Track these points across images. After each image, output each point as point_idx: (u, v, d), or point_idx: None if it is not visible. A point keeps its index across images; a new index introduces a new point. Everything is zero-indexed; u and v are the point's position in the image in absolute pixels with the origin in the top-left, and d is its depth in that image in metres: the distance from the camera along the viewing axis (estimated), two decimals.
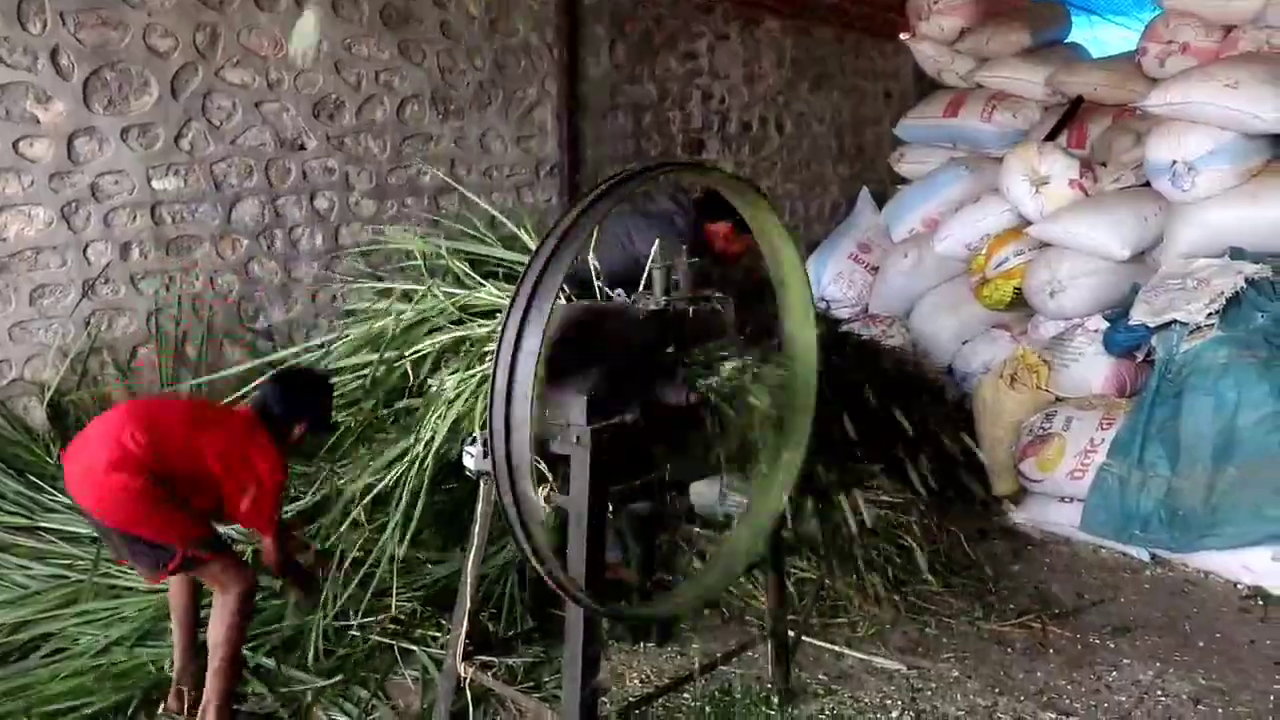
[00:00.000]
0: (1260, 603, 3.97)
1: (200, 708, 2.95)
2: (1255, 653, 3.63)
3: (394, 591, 3.30)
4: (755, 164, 6.45)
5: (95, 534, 3.20)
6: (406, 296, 3.72)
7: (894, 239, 6.33)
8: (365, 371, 3.60)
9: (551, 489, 2.53)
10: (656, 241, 2.76)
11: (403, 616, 3.46)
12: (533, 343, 2.18)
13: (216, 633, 2.94)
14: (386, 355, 3.43)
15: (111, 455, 2.78)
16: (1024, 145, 5.68)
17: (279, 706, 3.16)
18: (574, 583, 2.40)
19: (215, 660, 2.93)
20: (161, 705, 3.11)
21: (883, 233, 6.46)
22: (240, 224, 4.40)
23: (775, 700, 3.24)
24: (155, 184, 4.14)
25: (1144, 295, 4.69)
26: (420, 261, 3.98)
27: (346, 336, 3.74)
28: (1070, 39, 6.63)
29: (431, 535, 3.59)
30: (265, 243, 4.48)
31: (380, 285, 3.78)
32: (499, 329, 2.24)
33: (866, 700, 3.31)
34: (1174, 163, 4.75)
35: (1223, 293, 4.40)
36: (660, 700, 3.20)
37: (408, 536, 3.39)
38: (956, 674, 3.48)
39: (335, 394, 3.41)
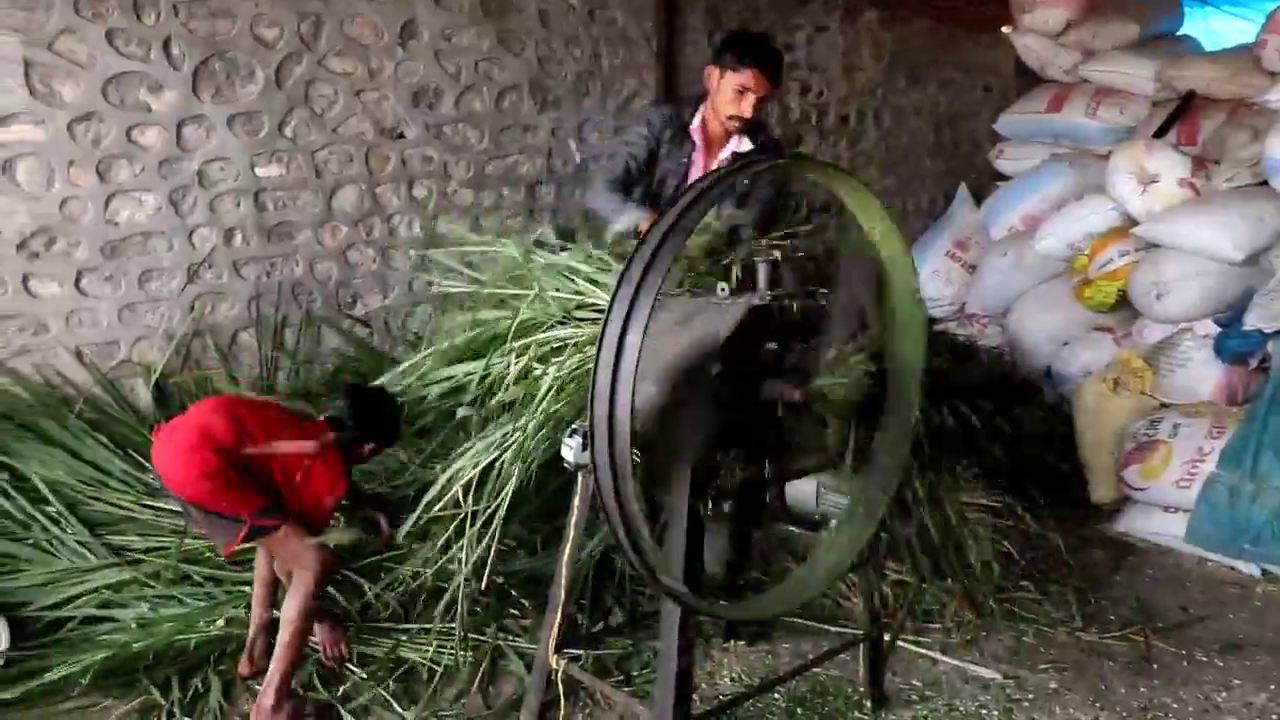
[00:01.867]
0: None
1: (265, 681, 3.00)
2: None
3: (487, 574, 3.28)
4: (853, 158, 6.36)
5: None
6: (502, 302, 3.68)
7: (992, 237, 6.18)
8: (467, 376, 3.56)
9: None
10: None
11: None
12: (636, 336, 2.15)
13: (289, 608, 3.00)
14: (493, 363, 3.39)
15: (192, 438, 2.90)
16: (1131, 142, 5.50)
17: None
18: (674, 580, 2.37)
19: (284, 634, 2.99)
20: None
21: (981, 230, 6.31)
22: (340, 211, 4.45)
23: (867, 705, 3.19)
24: (259, 171, 4.21)
25: (1260, 300, 4.52)
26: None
27: (445, 343, 3.71)
28: (1182, 31, 6.41)
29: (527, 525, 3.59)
30: (364, 230, 4.53)
31: (482, 290, 3.71)
32: (603, 322, 2.22)
33: (961, 709, 3.23)
34: None
35: None
36: (751, 701, 3.17)
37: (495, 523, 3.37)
38: (1055, 685, 3.38)
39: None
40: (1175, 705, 3.29)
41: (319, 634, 3.28)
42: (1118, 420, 4.77)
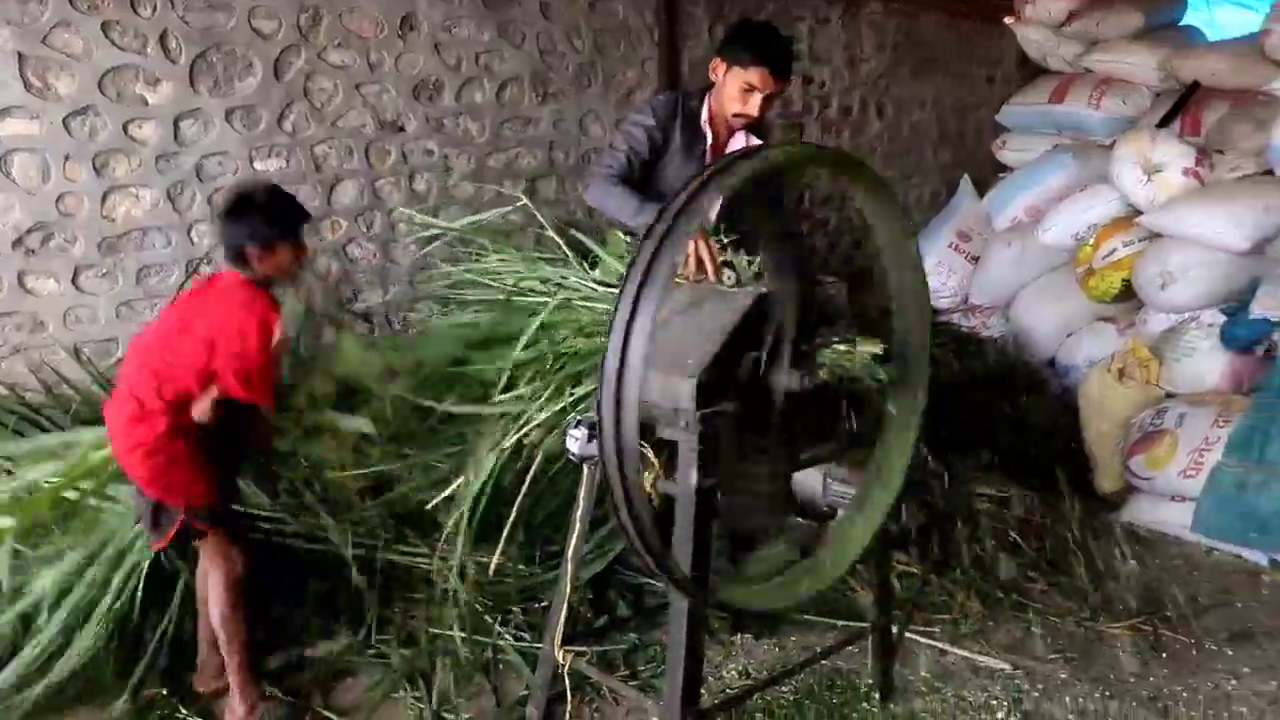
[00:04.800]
0: None
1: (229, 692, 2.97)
2: None
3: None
4: (855, 149, 6.32)
5: None
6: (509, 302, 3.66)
7: (996, 228, 6.16)
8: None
9: (658, 475, 2.49)
10: None
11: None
12: (644, 323, 2.12)
13: (214, 617, 2.93)
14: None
15: (132, 411, 2.78)
16: (1135, 132, 5.48)
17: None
18: (681, 573, 2.35)
19: (223, 645, 2.94)
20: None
21: (984, 221, 6.29)
22: (339, 205, 4.41)
23: (876, 696, 3.17)
24: (257, 165, 4.17)
25: (1266, 288, 4.50)
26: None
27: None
28: (1186, 21, 6.39)
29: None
30: (364, 224, 4.49)
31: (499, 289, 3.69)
32: (610, 312, 2.19)
33: (970, 699, 3.21)
34: None
35: None
36: (759, 694, 3.15)
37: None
38: (1064, 675, 3.36)
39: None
40: (1185, 694, 3.27)
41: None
42: (1123, 410, 4.74)
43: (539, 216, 3.98)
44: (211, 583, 2.93)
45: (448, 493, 3.18)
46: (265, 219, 2.87)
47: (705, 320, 2.57)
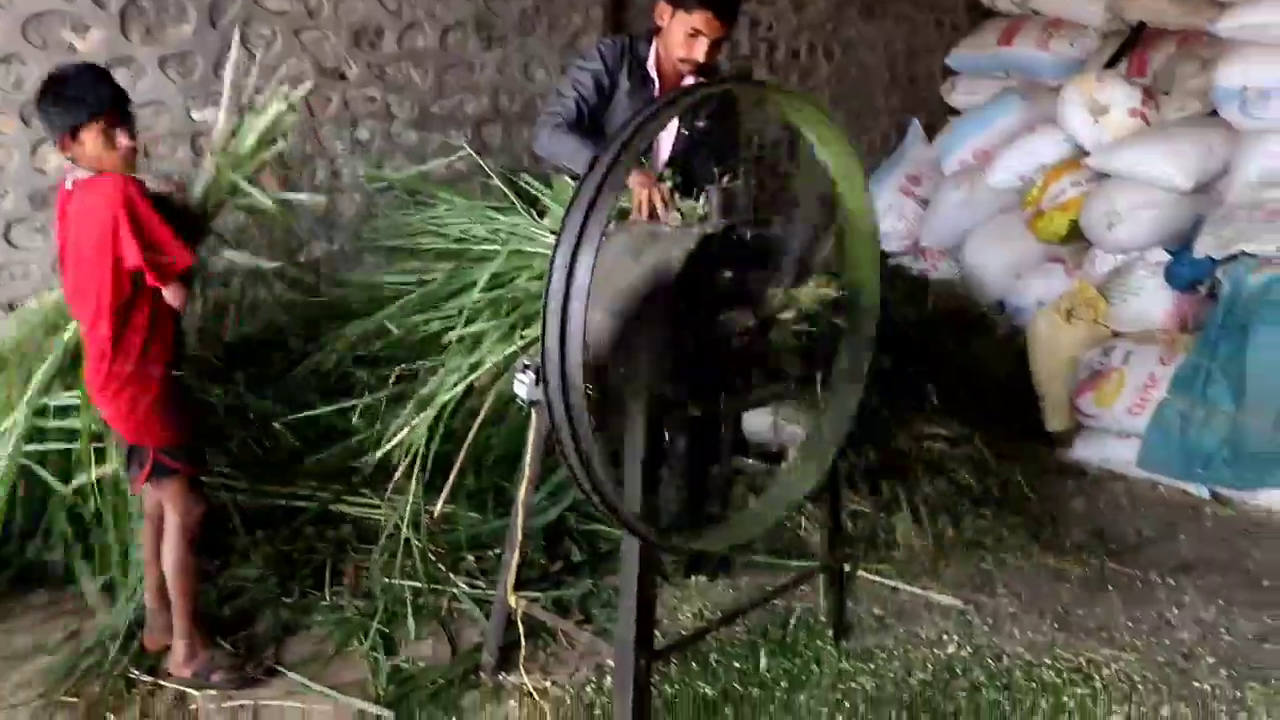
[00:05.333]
0: None
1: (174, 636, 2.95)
2: None
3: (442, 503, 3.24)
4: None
5: None
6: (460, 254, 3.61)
7: (945, 171, 6.17)
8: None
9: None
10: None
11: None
12: (587, 262, 2.09)
13: (166, 563, 2.91)
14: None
15: (96, 351, 2.74)
16: (1082, 74, 5.49)
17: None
18: (631, 514, 2.34)
19: (172, 588, 2.91)
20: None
21: (933, 165, 6.29)
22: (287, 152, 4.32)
23: (830, 634, 3.20)
24: (195, 115, 4.07)
25: (1209, 227, 4.55)
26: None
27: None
28: None
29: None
30: (306, 174, 4.40)
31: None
32: (554, 247, 2.16)
33: (923, 635, 3.25)
34: (1244, 89, 4.59)
35: None
36: (713, 634, 3.16)
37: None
38: (1014, 609, 3.41)
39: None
40: (1130, 624, 3.33)
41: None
42: (1071, 349, 4.79)
43: (484, 165, 3.91)
44: (168, 528, 2.89)
45: (396, 439, 3.14)
46: (64, 105, 2.66)
47: (651, 261, 2.54)
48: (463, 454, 3.06)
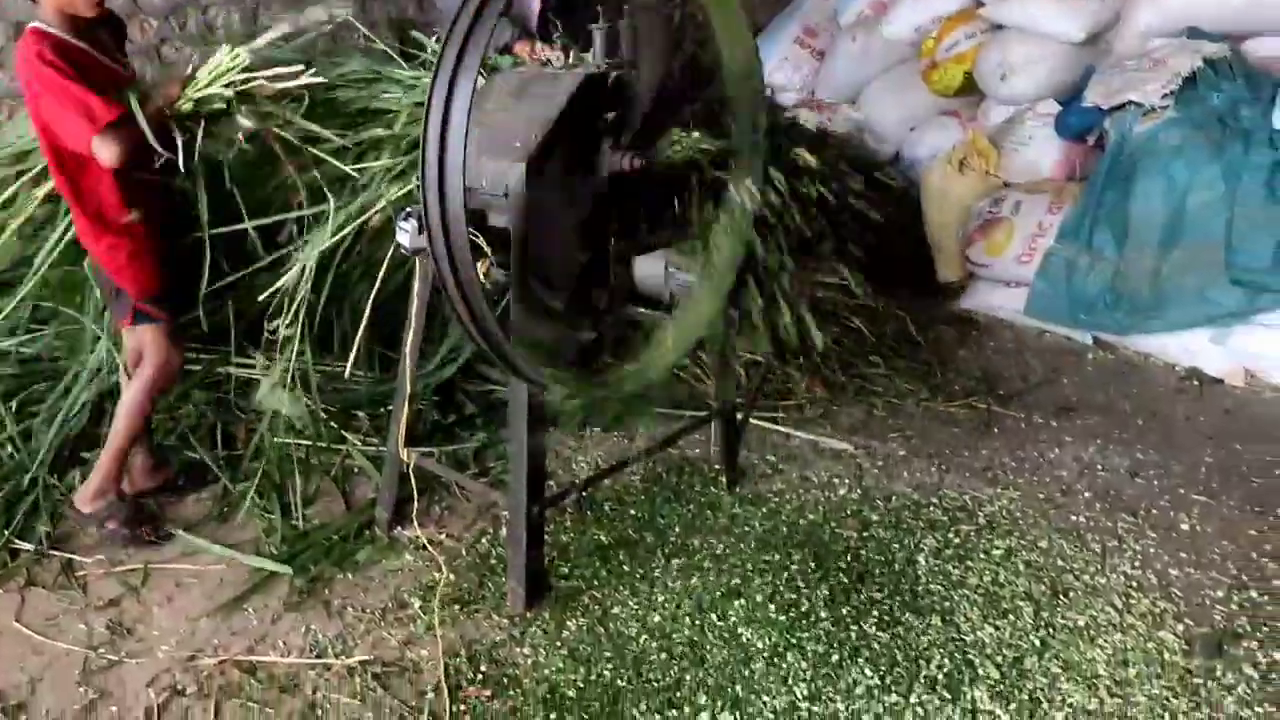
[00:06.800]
0: (1196, 383, 4.02)
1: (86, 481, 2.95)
2: (1190, 429, 3.69)
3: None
4: None
5: None
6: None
7: (841, 23, 6.09)
8: None
9: (491, 264, 2.42)
10: None
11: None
12: (463, 103, 2.01)
13: (124, 400, 2.91)
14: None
15: (84, 226, 2.76)
16: None
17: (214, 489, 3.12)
18: (519, 357, 2.31)
19: (114, 430, 2.91)
20: None
21: (830, 16, 6.20)
22: (148, 3, 4.06)
23: (723, 480, 3.25)
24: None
25: (1098, 77, 4.57)
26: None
27: None
28: None
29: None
30: (176, 24, 4.15)
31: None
32: (426, 94, 2.06)
33: (814, 479, 3.32)
34: None
35: (1179, 73, 4.29)
36: (609, 483, 3.19)
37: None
38: (903, 453, 3.50)
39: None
40: (1013, 464, 3.44)
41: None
42: (963, 200, 4.84)
43: (357, 24, 3.73)
44: (139, 371, 2.90)
45: (279, 284, 3.03)
46: None
47: (533, 104, 2.46)
48: (345, 305, 2.98)
